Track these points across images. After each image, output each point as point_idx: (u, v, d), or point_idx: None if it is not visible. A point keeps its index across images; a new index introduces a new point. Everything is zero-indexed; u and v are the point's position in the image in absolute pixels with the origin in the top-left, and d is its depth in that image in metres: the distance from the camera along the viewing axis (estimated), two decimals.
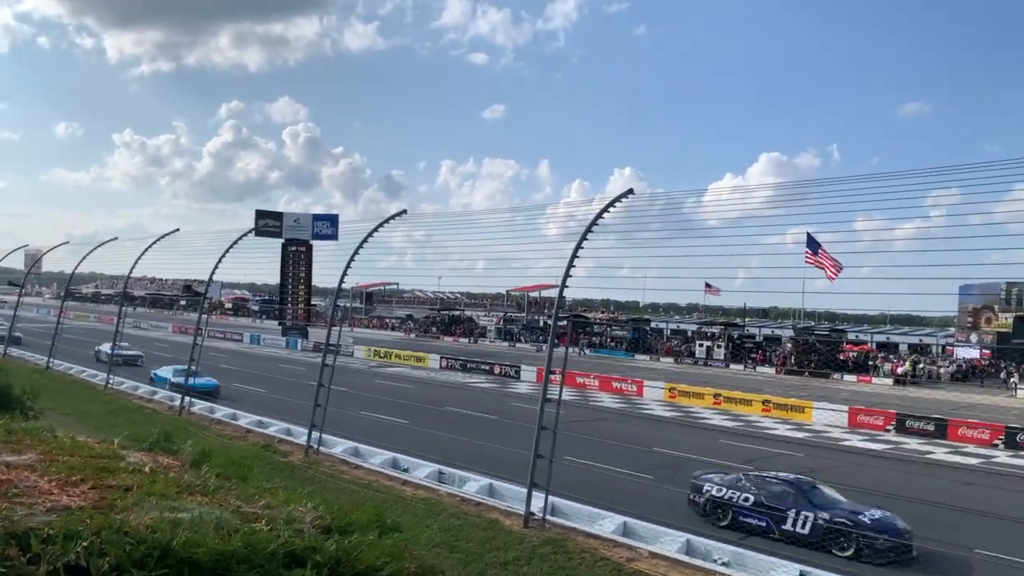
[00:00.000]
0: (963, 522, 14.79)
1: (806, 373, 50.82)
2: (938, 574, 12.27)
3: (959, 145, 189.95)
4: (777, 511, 13.49)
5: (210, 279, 25.01)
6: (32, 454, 3.04)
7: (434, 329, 77.68)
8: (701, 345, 59.98)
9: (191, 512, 2.28)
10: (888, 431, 28.19)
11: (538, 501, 12.64)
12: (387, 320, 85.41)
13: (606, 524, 12.57)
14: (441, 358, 47.34)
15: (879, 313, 66.47)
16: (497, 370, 43.29)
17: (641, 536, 12.22)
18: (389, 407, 26.28)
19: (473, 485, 14.93)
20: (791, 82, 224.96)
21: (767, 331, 64.65)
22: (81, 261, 34.41)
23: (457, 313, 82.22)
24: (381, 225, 18.69)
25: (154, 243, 28.22)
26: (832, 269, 44.56)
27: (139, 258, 28.40)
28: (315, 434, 17.62)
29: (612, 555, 11.18)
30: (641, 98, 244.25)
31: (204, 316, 26.33)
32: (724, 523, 14.06)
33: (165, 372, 28.79)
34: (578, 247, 13.59)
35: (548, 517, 12.60)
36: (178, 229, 28.69)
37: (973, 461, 23.36)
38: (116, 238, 34.39)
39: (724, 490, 14.39)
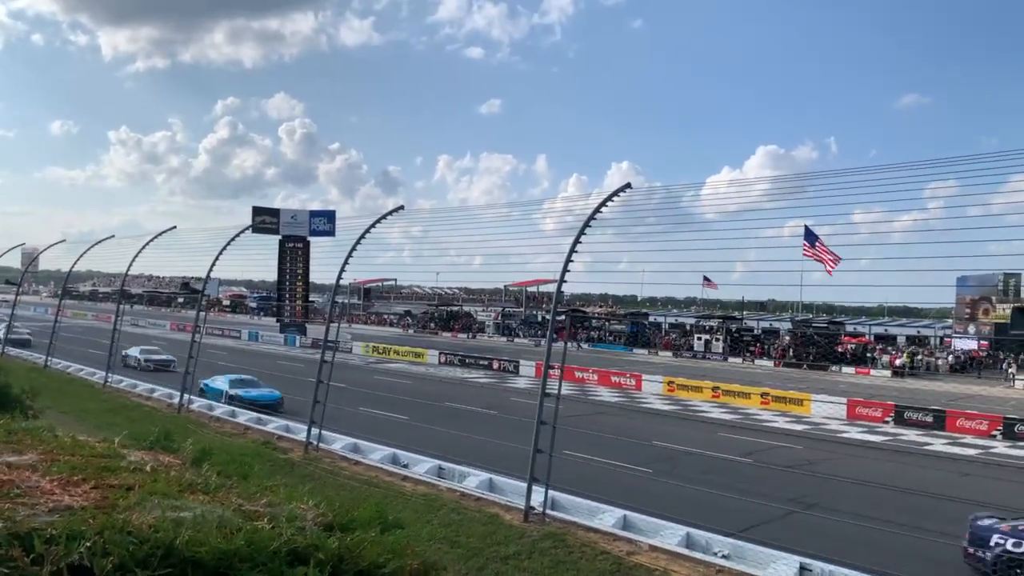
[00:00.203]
0: (961, 513, 14.84)
1: (804, 366, 50.92)
2: None
3: (956, 137, 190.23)
4: None
5: (207, 276, 24.97)
6: (33, 454, 3.04)
7: (432, 325, 77.71)
8: (699, 338, 60.07)
9: (193, 511, 2.28)
10: (887, 423, 28.27)
11: (538, 495, 12.66)
12: (385, 316, 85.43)
13: (606, 518, 12.59)
14: (440, 354, 47.37)
15: (877, 305, 66.77)
16: (496, 365, 43.33)
17: (641, 529, 12.25)
18: (388, 403, 26.30)
19: (473, 480, 14.95)
20: (788, 75, 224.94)
21: (765, 324, 64.78)
22: (78, 259, 34.37)
23: (455, 308, 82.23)
24: (378, 221, 18.67)
25: (151, 241, 28.17)
26: (830, 262, 44.57)
27: (136, 256, 28.38)
28: (314, 430, 17.63)
29: (612, 548, 11.21)
30: (638, 92, 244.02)
31: (202, 313, 26.31)
32: None
33: (219, 383, 25.63)
34: (576, 242, 13.58)
35: (548, 511, 12.62)
36: (175, 227, 28.66)
37: (971, 452, 23.43)
38: (113, 236, 34.38)
39: None
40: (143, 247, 28.28)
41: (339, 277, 18.94)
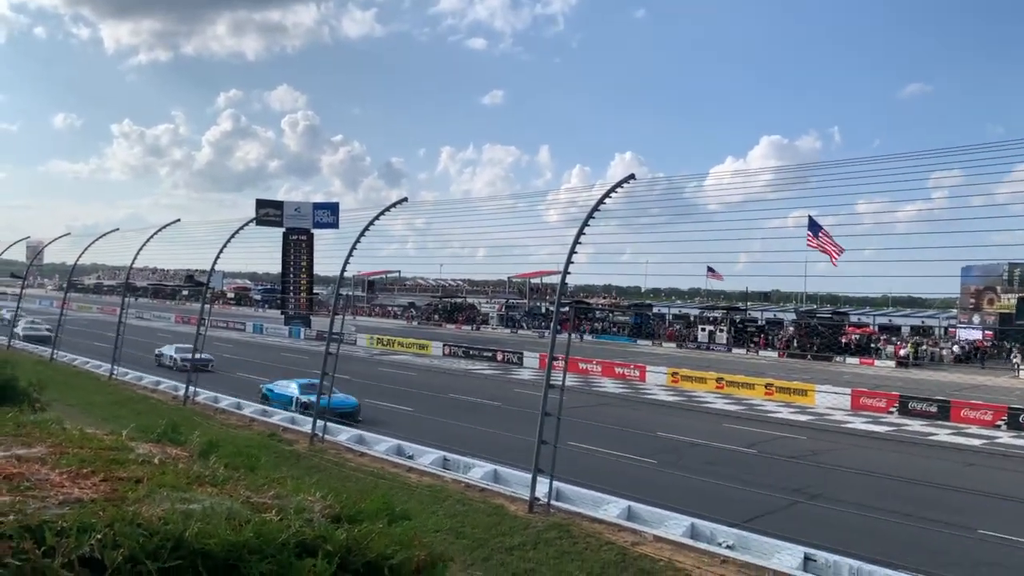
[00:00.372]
0: (966, 503, 14.88)
1: (808, 356, 50.90)
2: None
3: (961, 126, 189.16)
4: None
5: (212, 269, 25.00)
6: (42, 447, 3.06)
7: (436, 316, 77.78)
8: (703, 329, 60.03)
9: (202, 503, 2.29)
10: (891, 413, 28.25)
11: (543, 486, 12.69)
12: (389, 308, 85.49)
13: (611, 508, 12.62)
14: (444, 345, 47.43)
15: (881, 295, 66.53)
16: (500, 357, 43.37)
17: (646, 520, 12.28)
18: (392, 394, 26.38)
19: (478, 471, 14.99)
20: (792, 64, 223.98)
21: (769, 315, 64.70)
22: (83, 252, 34.42)
23: (459, 300, 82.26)
24: (382, 213, 18.67)
25: (155, 234, 28.22)
26: (834, 253, 44.49)
27: (141, 249, 28.44)
28: (319, 422, 17.68)
29: (617, 539, 11.24)
30: (641, 82, 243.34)
31: (207, 306, 26.37)
32: None
33: (286, 388, 23.14)
34: (580, 233, 13.57)
35: (553, 502, 12.65)
36: (179, 219, 28.66)
37: (976, 442, 23.42)
38: (117, 229, 34.40)
39: None
40: (147, 240, 28.34)
41: (343, 269, 18.97)
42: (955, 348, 51.42)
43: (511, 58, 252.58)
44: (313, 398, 20.48)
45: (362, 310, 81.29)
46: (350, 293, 71.64)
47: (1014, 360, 45.63)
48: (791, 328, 58.13)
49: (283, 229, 60.28)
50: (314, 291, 66.99)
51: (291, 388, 23.02)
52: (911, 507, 14.06)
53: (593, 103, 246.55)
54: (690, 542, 11.25)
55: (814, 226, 42.38)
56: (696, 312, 66.63)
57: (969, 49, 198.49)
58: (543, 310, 71.01)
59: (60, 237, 41.94)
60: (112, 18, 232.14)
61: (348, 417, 20.51)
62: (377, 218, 18.53)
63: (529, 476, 12.86)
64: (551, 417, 12.74)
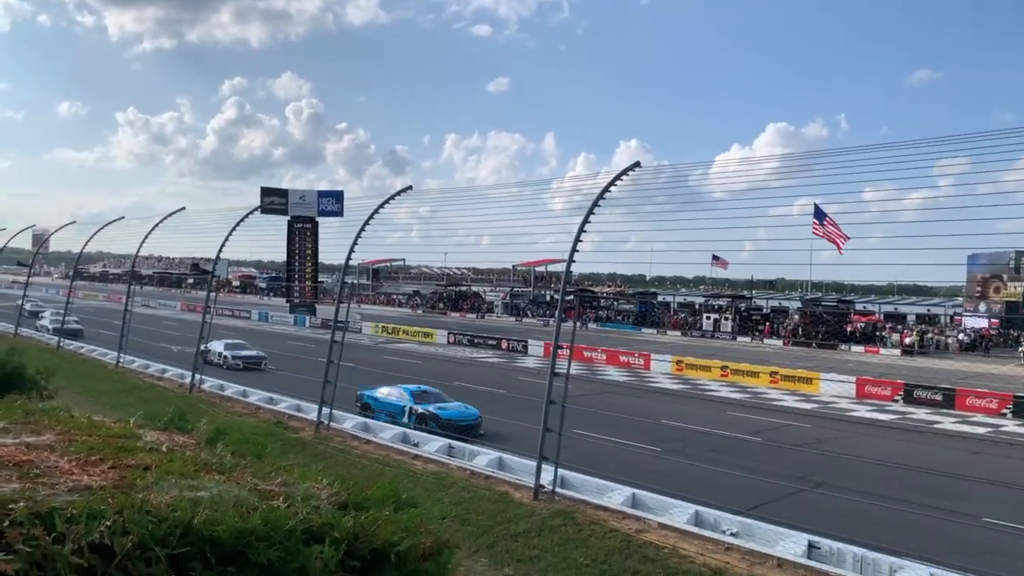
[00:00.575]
0: (970, 491, 14.89)
1: (813, 344, 50.84)
2: None
3: (970, 113, 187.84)
4: None
5: (217, 257, 25.05)
6: (51, 434, 3.08)
7: (441, 305, 77.83)
8: (708, 318, 59.98)
9: (210, 490, 2.30)
10: (896, 401, 28.24)
11: (547, 474, 12.74)
12: (394, 296, 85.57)
13: (615, 496, 12.67)
14: (448, 334, 47.49)
15: (887, 283, 66.36)
16: (505, 345, 43.43)
17: (650, 507, 12.33)
18: (398, 383, 26.43)
19: (483, 459, 15.05)
20: (798, 51, 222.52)
21: (774, 303, 64.59)
22: (88, 240, 34.50)
23: (464, 289, 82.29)
24: (387, 201, 18.67)
25: (161, 222, 28.26)
26: (840, 241, 44.38)
27: (146, 237, 28.49)
28: (325, 410, 17.74)
29: (622, 526, 11.28)
30: (647, 69, 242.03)
31: (212, 294, 26.41)
32: None
33: (395, 396, 19.98)
34: (585, 221, 13.55)
35: (558, 490, 12.70)
36: (184, 208, 28.68)
37: (981, 430, 23.40)
38: (123, 217, 34.45)
39: None
40: (153, 228, 28.38)
41: (348, 257, 18.97)
42: (961, 336, 51.30)
43: (516, 45, 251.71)
44: (431, 407, 18.78)
45: (367, 298, 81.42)
46: (355, 281, 71.78)
47: (1022, 350, 45.49)
48: (796, 316, 58.03)
49: (288, 217, 60.33)
50: (319, 279, 67.06)
51: (400, 396, 19.73)
52: (915, 495, 14.07)
53: (598, 90, 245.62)
54: (694, 529, 11.29)
55: (820, 214, 42.31)
56: (701, 300, 66.54)
57: (977, 35, 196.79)
58: (548, 298, 70.99)
59: (66, 225, 42.01)
60: (116, 5, 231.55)
61: (468, 432, 17.76)
62: (382, 206, 18.53)
63: (534, 464, 12.91)
64: (556, 405, 12.77)
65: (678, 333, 58.54)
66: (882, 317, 57.12)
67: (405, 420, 18.55)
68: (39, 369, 6.81)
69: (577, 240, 13.51)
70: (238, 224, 23.82)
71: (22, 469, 2.43)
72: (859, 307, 59.73)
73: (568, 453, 12.98)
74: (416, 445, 16.36)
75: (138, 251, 29.74)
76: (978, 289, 54.13)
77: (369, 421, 18.34)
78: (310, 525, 2.23)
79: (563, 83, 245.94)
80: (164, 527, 1.99)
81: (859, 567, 10.13)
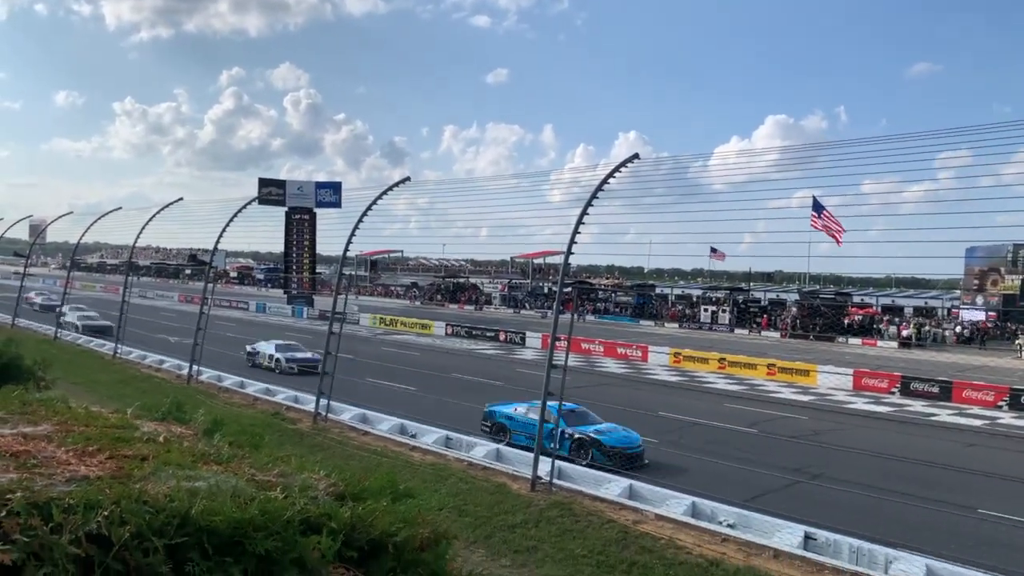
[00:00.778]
0: (967, 483, 14.94)
1: (811, 337, 50.89)
2: None
3: (969, 106, 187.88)
4: None
5: (215, 248, 25.02)
6: (48, 425, 3.07)
7: (439, 296, 77.81)
8: (706, 310, 60.03)
9: (207, 481, 2.31)
10: (893, 393, 28.32)
11: (545, 465, 12.78)
12: (392, 288, 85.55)
13: (612, 487, 12.71)
14: (446, 325, 47.50)
15: (885, 276, 66.37)
16: (503, 337, 43.45)
17: (647, 499, 12.37)
18: (396, 374, 26.47)
19: (480, 450, 15.09)
20: (798, 43, 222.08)
21: (772, 295, 64.65)
22: (86, 231, 34.43)
23: (462, 280, 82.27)
24: (385, 192, 18.64)
25: (158, 212, 28.21)
26: (838, 233, 44.41)
27: (144, 227, 28.45)
28: (323, 401, 17.77)
29: (618, 517, 11.32)
30: (646, 61, 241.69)
31: (210, 285, 26.38)
32: None
33: (529, 413, 16.33)
34: (583, 213, 13.55)
35: (555, 481, 12.74)
36: (182, 198, 28.65)
37: (977, 423, 23.48)
38: (120, 208, 34.35)
39: None
40: (150, 219, 28.33)
41: (346, 249, 18.96)
42: (958, 329, 51.38)
43: (515, 36, 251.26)
44: (588, 431, 15.65)
45: (365, 290, 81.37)
46: (353, 272, 71.71)
47: (1018, 342, 45.58)
48: (794, 308, 58.10)
49: (286, 208, 60.20)
50: (317, 270, 67.00)
51: (535, 412, 15.29)
52: (912, 487, 14.12)
53: (598, 82, 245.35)
54: (691, 520, 11.33)
55: (818, 207, 42.31)
56: (699, 292, 66.58)
57: (977, 28, 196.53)
58: (546, 290, 70.99)
59: (63, 216, 41.96)
60: None
61: (635, 461, 15.30)
62: (380, 197, 18.51)
63: (531, 455, 12.94)
64: (553, 397, 12.80)
65: (676, 325, 58.58)
66: (880, 310, 57.19)
67: (555, 446, 14.12)
68: (36, 360, 6.79)
69: (575, 232, 13.51)
70: (236, 215, 23.79)
71: (19, 459, 2.42)
72: (857, 300, 59.80)
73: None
74: (414, 437, 16.39)
75: (135, 242, 29.69)
76: (976, 282, 54.21)
77: (367, 412, 18.32)
78: (307, 516, 2.23)
79: (562, 74, 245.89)
80: (161, 517, 1.99)
81: (855, 558, 10.18)
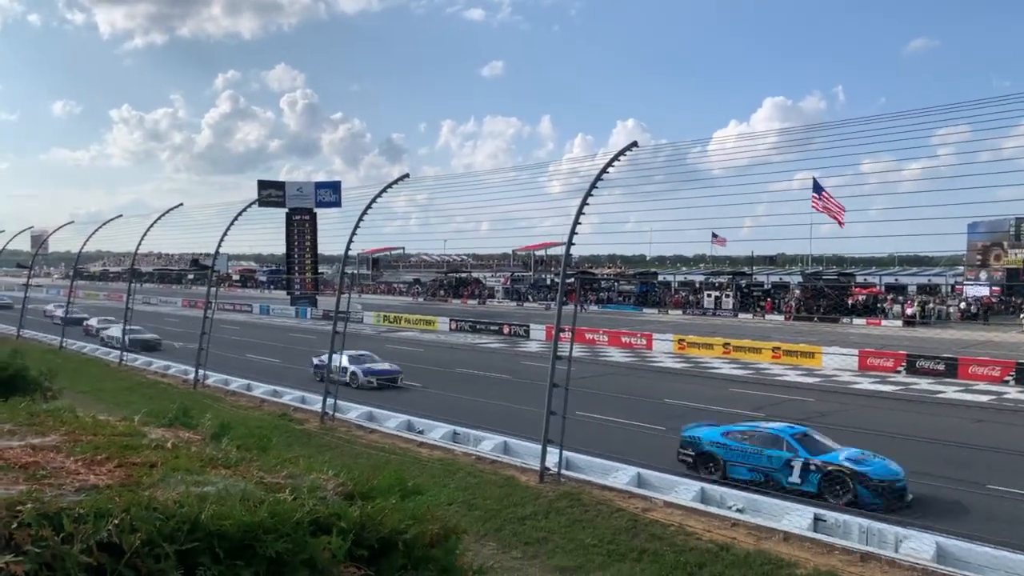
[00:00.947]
0: (975, 459, 14.93)
1: (815, 318, 50.85)
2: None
3: (967, 81, 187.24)
4: None
5: (216, 252, 25.05)
6: (56, 435, 3.09)
7: (442, 292, 77.85)
8: (709, 296, 60.00)
9: (216, 485, 2.32)
10: (898, 372, 28.30)
11: (552, 456, 12.80)
12: (395, 285, 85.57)
13: (620, 476, 12.73)
14: (450, 321, 47.54)
15: (887, 255, 66.32)
16: (507, 330, 43.47)
17: (656, 486, 12.39)
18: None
19: (488, 444, 15.11)
20: (794, 23, 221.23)
21: (775, 278, 64.59)
22: (87, 240, 34.54)
23: (464, 275, 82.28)
24: (384, 190, 18.64)
25: (159, 219, 28.26)
26: (839, 214, 44.34)
27: (145, 234, 28.51)
28: (330, 400, 17.80)
29: (628, 506, 11.35)
30: (641, 48, 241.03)
31: (213, 289, 26.42)
32: None
33: (761, 441, 13.49)
34: (583, 204, 13.53)
35: (563, 472, 12.77)
36: (182, 204, 28.69)
37: (984, 399, 23.46)
38: (121, 215, 34.44)
39: None
40: (151, 225, 28.39)
41: (348, 247, 18.98)
42: (963, 305, 51.30)
43: (510, 28, 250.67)
44: (838, 459, 12.62)
45: (368, 288, 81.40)
46: (355, 271, 71.74)
47: (1022, 316, 45.51)
48: (797, 291, 58.04)
49: (286, 210, 60.15)
50: (319, 270, 67.01)
51: (774, 443, 13.23)
52: (920, 465, 14.10)
53: (594, 71, 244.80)
54: (700, 507, 11.36)
55: (819, 189, 42.25)
56: (702, 278, 66.57)
57: (973, 2, 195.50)
58: (548, 282, 70.98)
59: (64, 225, 42.01)
60: (106, 2, 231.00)
61: (900, 498, 12.28)
62: (379, 195, 18.51)
63: (539, 447, 12.97)
64: (559, 388, 12.82)
65: (679, 312, 58.55)
66: (883, 289, 57.13)
67: (794, 479, 12.46)
68: (42, 370, 6.82)
69: (576, 222, 13.50)
70: (236, 218, 23.81)
71: (28, 471, 2.44)
72: (860, 280, 59.75)
73: (573, 435, 13.02)
74: (421, 433, 16.42)
75: (137, 248, 29.74)
76: (979, 257, 54.10)
77: (374, 410, 18.35)
78: (317, 516, 2.24)
79: (558, 65, 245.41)
80: (172, 523, 2.00)
81: (865, 538, 10.20)
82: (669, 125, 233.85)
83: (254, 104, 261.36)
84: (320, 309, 55.34)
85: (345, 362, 23.16)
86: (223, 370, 24.39)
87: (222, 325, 34.56)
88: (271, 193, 58.55)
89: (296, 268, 63.22)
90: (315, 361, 25.18)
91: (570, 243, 13.79)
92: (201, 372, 22.95)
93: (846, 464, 12.52)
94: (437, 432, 16.20)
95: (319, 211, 60.42)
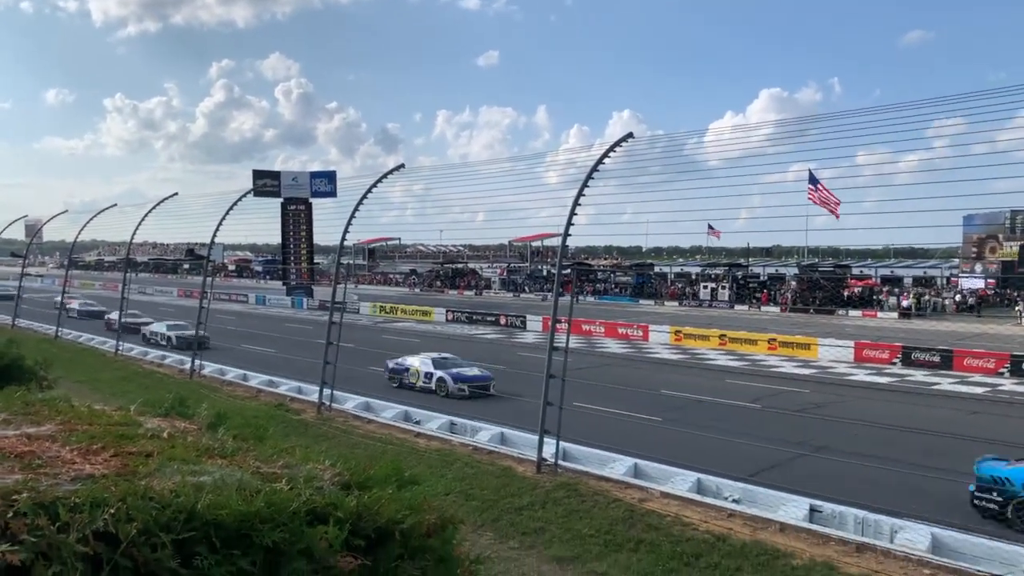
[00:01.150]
0: (971, 450, 14.99)
1: (811, 310, 50.94)
2: None
3: (963, 73, 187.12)
4: None
5: (212, 242, 24.98)
6: (51, 424, 3.08)
7: (439, 283, 77.81)
8: (705, 287, 60.05)
9: (212, 475, 2.31)
10: (894, 364, 28.39)
11: (549, 447, 12.82)
12: (391, 276, 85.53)
13: (617, 467, 12.77)
14: (447, 311, 47.53)
15: (883, 247, 66.36)
16: (503, 321, 43.49)
17: (652, 477, 12.43)
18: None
19: (485, 434, 15.15)
20: (791, 14, 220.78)
21: (771, 270, 64.67)
22: (82, 229, 34.40)
23: (460, 266, 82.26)
24: (380, 180, 18.59)
25: (154, 208, 28.17)
26: (835, 206, 44.38)
27: (140, 223, 28.41)
28: (326, 391, 17.81)
29: (624, 496, 11.38)
30: (637, 38, 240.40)
31: (208, 279, 26.36)
32: None
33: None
34: (579, 194, 13.51)
35: (560, 462, 12.80)
36: (176, 193, 28.57)
37: (979, 390, 23.56)
38: (115, 205, 34.32)
39: None
40: (146, 215, 28.29)
41: (343, 238, 18.94)
42: (958, 297, 51.43)
43: (505, 17, 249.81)
44: None
45: (364, 278, 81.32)
46: (351, 262, 71.65)
47: (1017, 309, 45.66)
48: (793, 283, 58.12)
49: (281, 199, 60.07)
50: (315, 261, 66.94)
51: None
52: (915, 457, 14.18)
53: (590, 61, 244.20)
54: (697, 497, 11.40)
55: (814, 180, 42.27)
56: (698, 270, 66.58)
57: None
58: (545, 273, 70.99)
59: (58, 215, 42.00)
60: None
61: None
62: (375, 185, 18.46)
63: (536, 437, 12.99)
64: (556, 379, 12.82)
65: (675, 303, 58.63)
66: (879, 281, 57.23)
67: None
68: (38, 360, 6.79)
69: (572, 213, 13.48)
70: (231, 208, 23.73)
71: (24, 460, 2.43)
72: (856, 271, 59.83)
73: (569, 426, 13.06)
74: (418, 423, 16.45)
75: (132, 238, 29.65)
76: (974, 250, 54.22)
77: (371, 401, 18.35)
78: (313, 506, 2.24)
79: (554, 55, 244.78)
80: (168, 513, 1.99)
81: (860, 528, 10.25)
82: (665, 116, 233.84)
83: (249, 93, 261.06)
84: (316, 299, 55.34)
85: (428, 366, 21.44)
86: (219, 360, 24.38)
87: (218, 315, 34.52)
88: (266, 183, 58.42)
89: (292, 258, 63.15)
90: (390, 364, 22.95)
91: (566, 234, 13.77)
92: (197, 362, 22.94)
93: None
94: (434, 423, 16.23)
95: (314, 201, 60.36)
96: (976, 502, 11.42)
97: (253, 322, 42.19)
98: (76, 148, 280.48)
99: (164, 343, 30.68)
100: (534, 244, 74.64)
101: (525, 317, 42.54)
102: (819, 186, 43.39)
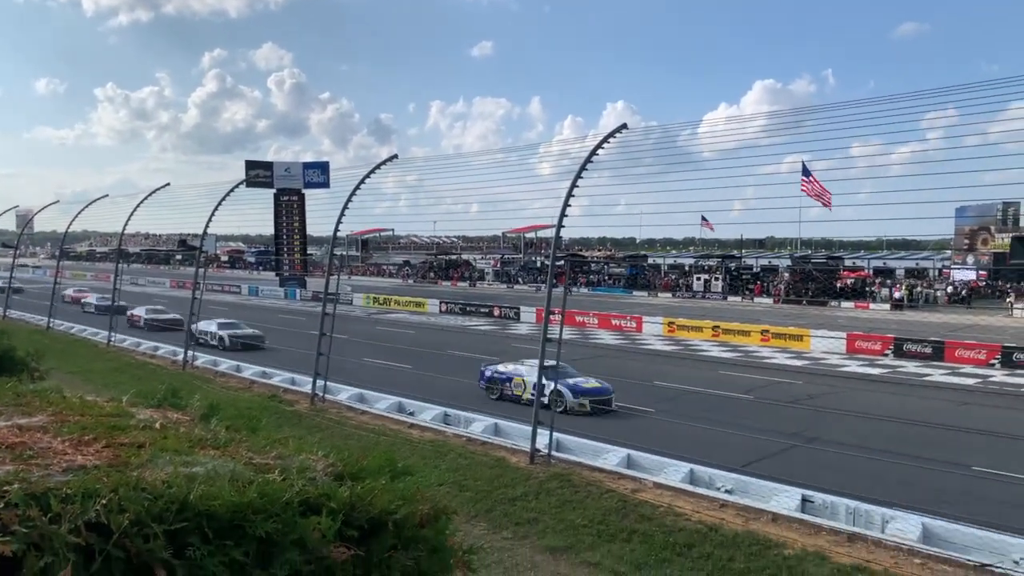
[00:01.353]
0: (961, 441, 15.11)
1: (804, 302, 51.12)
2: None
3: (956, 65, 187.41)
4: None
5: (204, 232, 24.87)
6: (43, 415, 3.06)
7: (432, 274, 77.76)
8: (699, 278, 60.18)
9: (205, 466, 2.31)
10: (886, 355, 28.53)
11: (543, 438, 12.85)
12: (384, 267, 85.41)
13: (610, 457, 12.81)
14: (440, 303, 47.51)
15: (876, 238, 66.63)
16: (497, 312, 43.50)
17: (645, 467, 12.47)
18: (391, 353, 26.50)
19: (479, 425, 15.16)
20: (785, 6, 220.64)
21: (764, 261, 64.83)
22: (73, 219, 34.20)
23: (454, 257, 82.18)
24: (373, 171, 18.52)
25: (146, 198, 28.00)
26: (828, 198, 44.46)
27: (132, 214, 28.26)
28: (320, 382, 17.78)
29: (617, 487, 11.42)
30: (632, 29, 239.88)
31: (201, 270, 26.25)
32: None
33: None
34: (573, 185, 13.50)
35: (553, 453, 12.82)
36: (168, 184, 28.41)
37: (970, 381, 23.70)
38: (107, 195, 34.15)
39: None
40: (138, 205, 28.13)
41: (336, 229, 18.88)
42: (950, 289, 51.67)
43: (500, 8, 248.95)
44: None
45: (357, 269, 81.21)
46: (344, 253, 71.53)
47: (1008, 300, 45.90)
48: (786, 274, 58.29)
49: (274, 190, 59.76)
50: (308, 252, 66.74)
51: None
52: (907, 447, 14.28)
53: (584, 52, 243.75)
54: (689, 487, 11.44)
55: (808, 173, 42.33)
56: (691, 261, 66.73)
57: None
58: (538, 264, 70.99)
59: (50, 205, 41.72)
60: None
61: None
62: (368, 176, 18.40)
63: (529, 429, 13.01)
64: (549, 367, 12.84)
65: (669, 295, 58.74)
66: (871, 272, 57.45)
67: None
68: (29, 350, 6.75)
69: (566, 205, 13.47)
70: (224, 198, 23.62)
71: (15, 451, 2.42)
72: (848, 263, 60.06)
73: (563, 417, 13.08)
74: (412, 414, 16.44)
75: (124, 228, 29.49)
76: (966, 241, 54.45)
77: (364, 392, 18.35)
78: (306, 497, 2.23)
79: (548, 46, 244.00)
80: (160, 504, 1.99)
81: (852, 519, 10.31)
82: (659, 107, 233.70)
83: (241, 83, 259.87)
84: (309, 290, 55.24)
85: (533, 375, 15.78)
86: (211, 351, 24.31)
87: (211, 306, 34.41)
88: (259, 173, 58.11)
89: (285, 249, 62.89)
90: (487, 372, 19.63)
91: (560, 225, 13.76)
92: (190, 353, 22.87)
93: None
94: (428, 414, 16.23)
95: (307, 192, 60.06)
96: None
97: (246, 313, 42.03)
98: (67, 138, 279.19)
99: (216, 343, 27.60)
100: (528, 235, 74.59)
101: (519, 308, 42.55)
102: (812, 178, 43.46)
